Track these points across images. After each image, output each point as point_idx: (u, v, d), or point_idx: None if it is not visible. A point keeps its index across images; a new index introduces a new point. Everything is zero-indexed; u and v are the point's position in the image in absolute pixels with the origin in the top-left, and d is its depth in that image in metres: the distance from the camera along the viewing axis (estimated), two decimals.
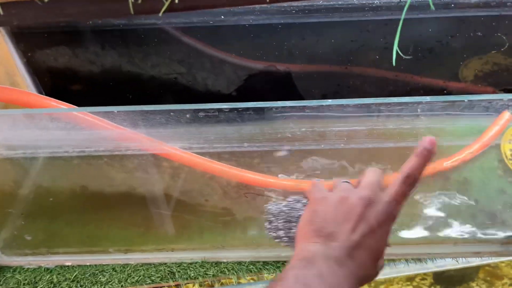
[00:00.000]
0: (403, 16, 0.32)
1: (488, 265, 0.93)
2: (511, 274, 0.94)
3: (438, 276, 0.93)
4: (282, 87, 0.72)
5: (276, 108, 0.42)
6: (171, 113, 0.42)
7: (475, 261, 0.73)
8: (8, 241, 0.57)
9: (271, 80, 0.71)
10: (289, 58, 0.69)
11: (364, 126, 0.43)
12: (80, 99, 0.72)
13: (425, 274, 0.93)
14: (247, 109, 0.41)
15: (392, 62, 0.67)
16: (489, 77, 0.71)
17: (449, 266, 0.76)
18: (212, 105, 0.42)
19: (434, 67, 0.69)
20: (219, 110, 0.42)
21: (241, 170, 0.49)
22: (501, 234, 0.59)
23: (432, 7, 0.36)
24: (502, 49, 0.66)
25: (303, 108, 0.42)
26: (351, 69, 0.69)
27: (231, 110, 0.42)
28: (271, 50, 0.68)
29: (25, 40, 0.65)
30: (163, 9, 0.29)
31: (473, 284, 0.94)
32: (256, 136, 0.44)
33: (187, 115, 0.42)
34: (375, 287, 0.92)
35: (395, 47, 0.32)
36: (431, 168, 0.56)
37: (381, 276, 0.80)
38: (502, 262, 0.92)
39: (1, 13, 0.29)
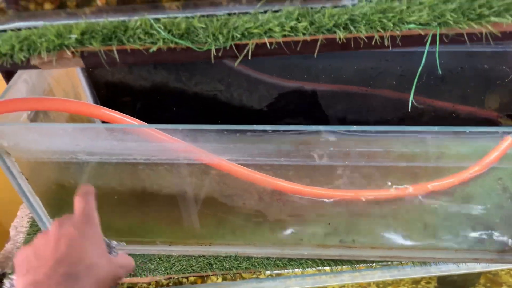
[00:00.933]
0: (420, 68, 0.41)
1: (489, 272, 1.01)
2: (510, 282, 1.01)
3: (442, 281, 1.01)
4: (308, 104, 0.81)
5: (311, 131, 0.51)
6: (224, 132, 0.51)
7: (476, 268, 0.82)
8: None
9: (299, 98, 0.80)
10: (316, 80, 0.78)
11: (381, 148, 0.52)
12: (131, 109, 0.82)
13: (429, 278, 1.01)
14: (287, 130, 0.51)
15: (406, 87, 0.75)
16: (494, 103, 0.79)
17: (452, 271, 0.85)
18: (259, 126, 0.51)
19: (445, 92, 0.77)
20: (264, 131, 0.51)
21: (275, 179, 0.58)
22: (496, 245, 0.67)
23: (440, 71, 0.45)
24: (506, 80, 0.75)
25: (331, 132, 0.51)
26: (371, 91, 0.78)
27: (274, 131, 0.51)
28: (300, 73, 0.77)
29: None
30: (236, 62, 0.39)
31: None
32: (291, 152, 0.53)
33: (237, 134, 0.52)
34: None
35: (411, 98, 0.42)
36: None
37: (388, 277, 0.90)
38: (502, 270, 1.00)
39: (117, 58, 0.38)
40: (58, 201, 0.64)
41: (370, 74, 0.76)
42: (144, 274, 0.67)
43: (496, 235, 0.69)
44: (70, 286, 0.35)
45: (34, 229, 0.73)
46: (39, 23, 0.38)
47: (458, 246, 0.68)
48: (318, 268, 0.67)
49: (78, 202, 0.44)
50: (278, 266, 0.68)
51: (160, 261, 0.68)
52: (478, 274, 1.01)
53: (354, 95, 0.78)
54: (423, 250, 0.69)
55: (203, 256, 0.69)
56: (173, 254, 0.69)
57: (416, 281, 1.02)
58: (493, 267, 0.86)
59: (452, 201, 0.65)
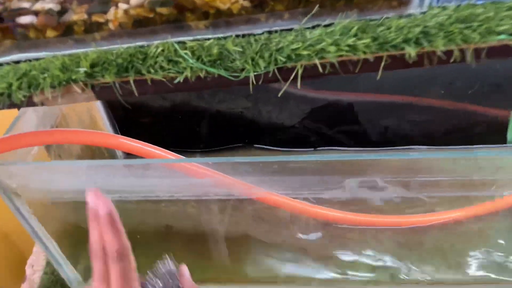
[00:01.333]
0: None
1: None
2: None
3: None
4: (342, 119, 0.73)
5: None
6: (260, 164, 0.44)
7: None
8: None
9: (332, 113, 0.72)
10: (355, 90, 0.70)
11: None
12: (149, 130, 0.76)
13: None
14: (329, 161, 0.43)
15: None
16: None
17: None
18: (297, 157, 0.44)
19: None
20: (305, 161, 0.44)
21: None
22: None
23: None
24: None
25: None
26: (410, 100, 0.70)
27: (314, 161, 0.44)
28: (333, 84, 0.69)
29: None
30: (281, 91, 0.31)
31: None
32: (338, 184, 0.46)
33: (275, 166, 0.44)
34: None
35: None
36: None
37: None
38: None
39: (135, 91, 0.32)
40: (74, 242, 0.58)
41: (412, 83, 0.68)
42: None
43: None
44: None
45: (50, 268, 0.67)
46: (41, 54, 0.32)
47: None
48: None
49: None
50: None
51: None
52: None
53: (397, 106, 0.70)
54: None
55: None
56: None
57: None
58: None
59: None
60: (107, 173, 0.46)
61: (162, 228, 0.54)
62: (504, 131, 0.67)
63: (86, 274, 0.62)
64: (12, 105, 0.32)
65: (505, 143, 0.62)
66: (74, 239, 0.57)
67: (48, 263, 0.68)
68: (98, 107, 0.72)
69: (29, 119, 0.54)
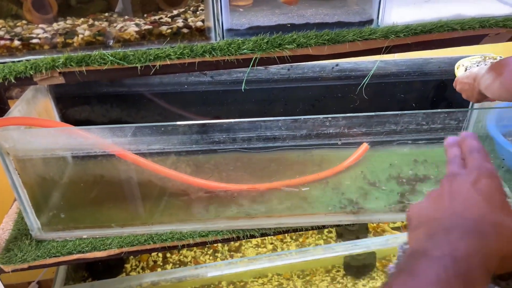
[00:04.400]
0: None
1: (384, 258, 1.29)
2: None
3: (347, 266, 1.27)
4: None
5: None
6: (148, 129, 0.81)
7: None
8: (47, 220, 0.92)
9: None
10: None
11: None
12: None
13: (338, 266, 1.27)
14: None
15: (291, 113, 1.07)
16: None
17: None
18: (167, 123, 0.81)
19: None
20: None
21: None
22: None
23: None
24: None
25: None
26: None
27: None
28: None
29: (62, 102, 1.06)
30: (151, 73, 0.70)
31: (374, 275, 1.28)
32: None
33: (162, 129, 0.81)
34: (303, 277, 1.25)
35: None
36: None
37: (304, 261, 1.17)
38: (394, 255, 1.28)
39: (85, 74, 0.69)
40: (41, 194, 0.90)
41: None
42: (103, 248, 0.91)
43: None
44: (477, 241, 0.33)
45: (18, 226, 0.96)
46: (41, 57, 0.69)
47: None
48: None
49: (471, 154, 0.40)
50: (202, 236, 0.93)
51: (115, 238, 0.93)
52: (373, 258, 1.28)
53: None
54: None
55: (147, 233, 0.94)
56: (124, 234, 0.94)
57: (328, 270, 1.28)
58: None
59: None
60: (65, 135, 0.81)
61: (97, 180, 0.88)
62: None
63: (45, 225, 0.92)
64: (22, 80, 0.68)
65: None
66: (42, 192, 0.89)
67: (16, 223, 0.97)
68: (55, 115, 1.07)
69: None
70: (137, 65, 0.70)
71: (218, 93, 1.07)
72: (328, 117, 0.83)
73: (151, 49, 0.71)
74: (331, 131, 0.85)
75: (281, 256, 1.18)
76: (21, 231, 0.95)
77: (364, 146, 1.03)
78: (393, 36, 0.72)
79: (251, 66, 0.72)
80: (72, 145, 0.82)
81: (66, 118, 1.07)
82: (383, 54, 0.75)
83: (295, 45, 0.71)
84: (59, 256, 0.89)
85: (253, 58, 0.72)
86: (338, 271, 1.29)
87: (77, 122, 1.09)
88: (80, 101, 1.06)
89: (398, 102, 1.15)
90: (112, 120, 1.09)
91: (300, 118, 0.82)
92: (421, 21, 0.75)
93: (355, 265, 1.25)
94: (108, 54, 0.68)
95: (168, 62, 0.70)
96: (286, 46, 0.71)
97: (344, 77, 1.06)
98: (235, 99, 1.08)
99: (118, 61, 0.68)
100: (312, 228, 0.98)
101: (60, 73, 0.69)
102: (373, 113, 0.83)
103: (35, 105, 0.97)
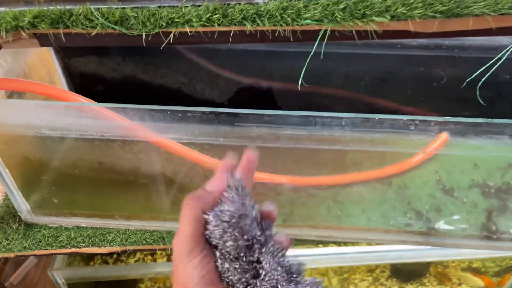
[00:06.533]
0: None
1: (441, 263, 1.08)
2: (458, 275, 1.08)
3: (395, 269, 1.08)
4: (264, 100, 0.89)
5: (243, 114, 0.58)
6: (168, 112, 0.59)
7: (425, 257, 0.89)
8: (38, 203, 0.75)
9: (255, 94, 0.88)
10: (270, 78, 0.86)
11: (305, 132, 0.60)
12: (102, 98, 0.90)
13: (384, 266, 1.07)
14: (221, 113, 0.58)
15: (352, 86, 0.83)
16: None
17: (404, 260, 0.92)
18: (196, 108, 0.58)
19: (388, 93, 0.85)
20: (203, 112, 0.59)
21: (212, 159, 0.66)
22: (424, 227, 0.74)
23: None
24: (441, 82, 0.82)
25: (264, 115, 0.59)
26: (319, 89, 0.86)
27: (210, 113, 0.58)
28: (256, 70, 0.85)
29: (63, 50, 0.84)
30: (163, 45, 0.46)
31: (425, 280, 1.09)
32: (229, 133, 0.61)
33: (179, 114, 0.59)
34: (340, 274, 1.07)
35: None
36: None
37: (344, 263, 0.97)
38: (453, 261, 1.07)
39: (64, 40, 0.46)
40: (27, 174, 0.72)
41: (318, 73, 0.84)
42: (102, 245, 0.74)
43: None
44: None
45: (6, 202, 0.80)
46: (2, 9, 0.46)
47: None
48: None
49: None
50: None
51: (118, 234, 0.75)
52: (428, 265, 1.08)
53: (304, 94, 0.86)
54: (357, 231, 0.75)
55: (157, 231, 0.76)
56: (130, 228, 0.77)
57: (371, 270, 1.09)
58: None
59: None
60: (52, 112, 0.60)
61: (96, 164, 0.68)
62: None
63: (36, 208, 0.75)
64: None
65: None
66: (27, 172, 0.71)
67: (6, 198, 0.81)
68: (59, 74, 0.86)
69: None
70: (141, 32, 0.46)
71: (261, 53, 0.82)
72: (414, 120, 0.58)
73: (163, 7, 0.46)
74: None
75: (318, 247, 0.98)
76: (10, 209, 0.79)
77: (444, 136, 0.77)
78: None
79: (316, 44, 0.47)
80: (79, 125, 0.62)
81: (69, 70, 0.86)
82: None
83: (389, 16, 0.45)
84: (48, 249, 0.73)
85: (320, 31, 0.46)
86: (383, 271, 1.10)
87: (82, 76, 0.87)
88: (86, 50, 0.84)
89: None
90: (124, 75, 0.86)
91: (374, 118, 0.57)
92: None
93: (405, 268, 1.05)
94: (98, 14, 0.44)
95: (188, 30, 0.46)
96: (374, 18, 0.45)
97: (433, 46, 0.78)
98: (281, 63, 0.83)
99: (113, 26, 0.45)
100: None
101: (32, 34, 0.47)
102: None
103: (25, 55, 0.76)
